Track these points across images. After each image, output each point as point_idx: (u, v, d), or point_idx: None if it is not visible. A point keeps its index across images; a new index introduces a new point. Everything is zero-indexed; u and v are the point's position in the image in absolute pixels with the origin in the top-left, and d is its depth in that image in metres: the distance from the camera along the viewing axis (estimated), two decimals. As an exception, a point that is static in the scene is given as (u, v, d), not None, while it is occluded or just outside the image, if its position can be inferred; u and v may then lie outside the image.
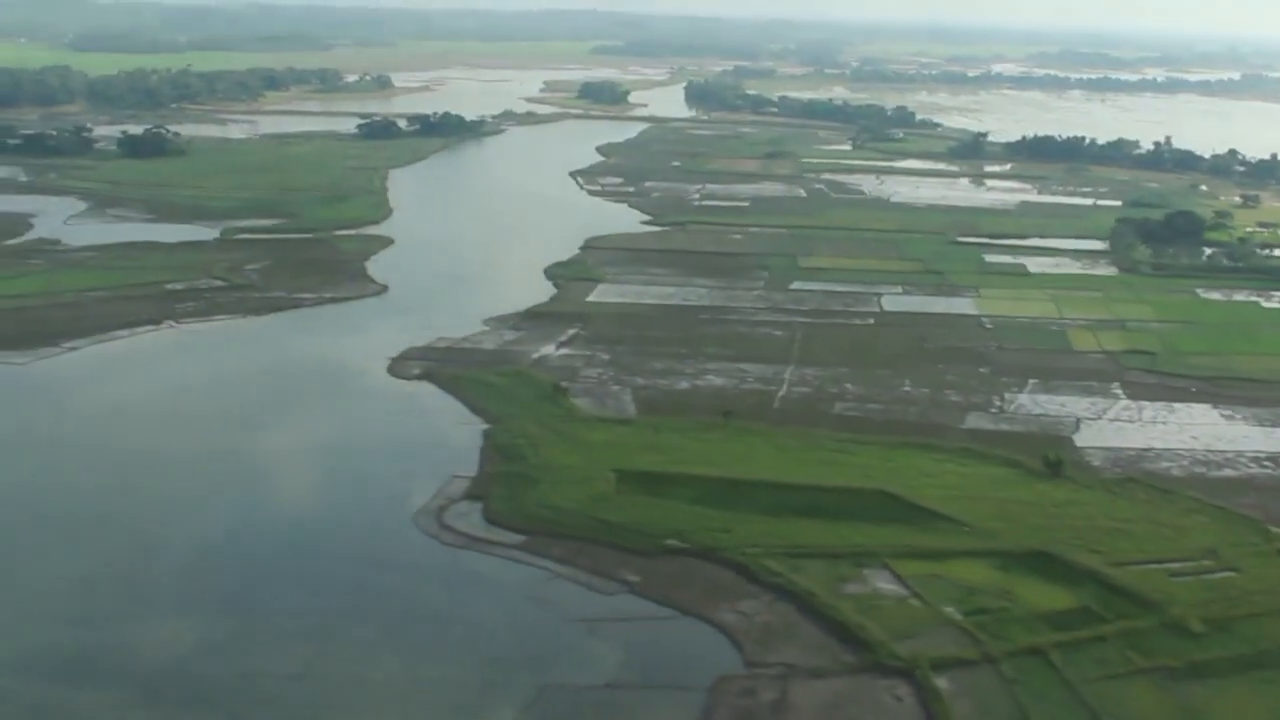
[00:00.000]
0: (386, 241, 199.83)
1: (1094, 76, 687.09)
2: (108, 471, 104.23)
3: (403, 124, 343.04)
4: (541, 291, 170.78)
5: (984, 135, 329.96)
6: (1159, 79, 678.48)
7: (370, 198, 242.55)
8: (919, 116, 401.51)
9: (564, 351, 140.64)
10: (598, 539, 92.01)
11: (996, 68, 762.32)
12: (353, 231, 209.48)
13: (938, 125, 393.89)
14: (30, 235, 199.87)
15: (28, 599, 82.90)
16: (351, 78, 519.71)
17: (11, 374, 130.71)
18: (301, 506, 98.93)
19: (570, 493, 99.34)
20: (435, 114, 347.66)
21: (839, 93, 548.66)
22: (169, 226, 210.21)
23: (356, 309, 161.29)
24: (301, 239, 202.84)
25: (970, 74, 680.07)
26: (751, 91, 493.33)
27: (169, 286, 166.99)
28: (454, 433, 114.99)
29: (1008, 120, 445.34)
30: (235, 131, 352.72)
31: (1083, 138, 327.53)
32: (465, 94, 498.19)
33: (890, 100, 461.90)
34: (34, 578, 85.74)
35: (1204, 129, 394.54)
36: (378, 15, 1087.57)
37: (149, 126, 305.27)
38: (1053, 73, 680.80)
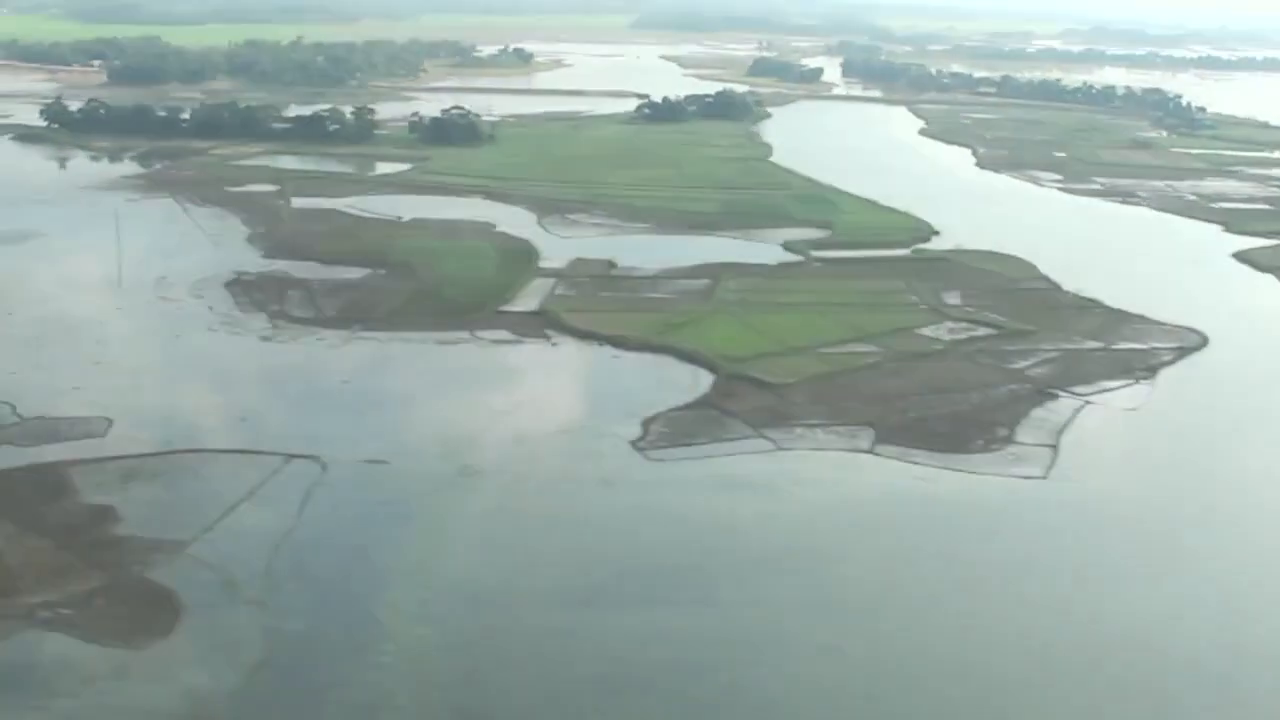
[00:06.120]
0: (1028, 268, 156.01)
1: (1195, 55, 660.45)
2: None
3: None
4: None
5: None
6: (1258, 59, 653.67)
7: (842, 199, 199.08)
8: (1184, 100, 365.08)
9: None
10: None
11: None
12: (928, 246, 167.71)
13: (1203, 109, 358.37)
14: (556, 257, 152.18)
15: None
16: (486, 51, 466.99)
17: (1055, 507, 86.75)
18: None
19: None
20: (710, 95, 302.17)
21: (958, 69, 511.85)
22: (680, 239, 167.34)
23: (1221, 367, 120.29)
24: (904, 258, 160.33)
25: (1075, 50, 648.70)
26: (956, 69, 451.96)
27: (921, 333, 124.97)
28: None
29: (1215, 102, 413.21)
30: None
31: None
32: (600, 70, 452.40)
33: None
34: None
35: None
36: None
37: (448, 109, 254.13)
38: (1154, 51, 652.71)
